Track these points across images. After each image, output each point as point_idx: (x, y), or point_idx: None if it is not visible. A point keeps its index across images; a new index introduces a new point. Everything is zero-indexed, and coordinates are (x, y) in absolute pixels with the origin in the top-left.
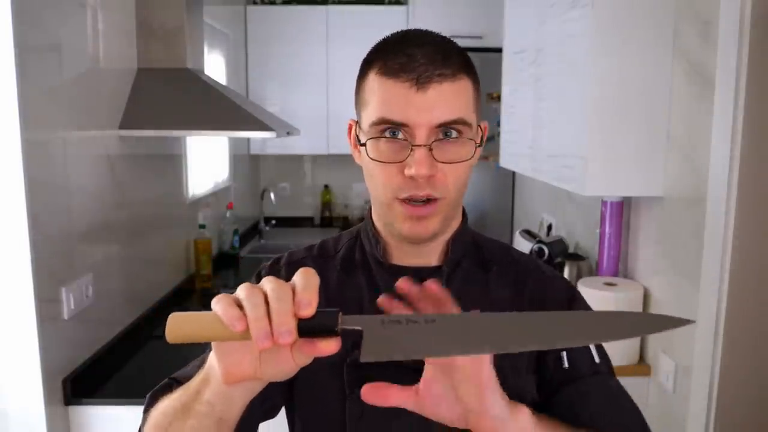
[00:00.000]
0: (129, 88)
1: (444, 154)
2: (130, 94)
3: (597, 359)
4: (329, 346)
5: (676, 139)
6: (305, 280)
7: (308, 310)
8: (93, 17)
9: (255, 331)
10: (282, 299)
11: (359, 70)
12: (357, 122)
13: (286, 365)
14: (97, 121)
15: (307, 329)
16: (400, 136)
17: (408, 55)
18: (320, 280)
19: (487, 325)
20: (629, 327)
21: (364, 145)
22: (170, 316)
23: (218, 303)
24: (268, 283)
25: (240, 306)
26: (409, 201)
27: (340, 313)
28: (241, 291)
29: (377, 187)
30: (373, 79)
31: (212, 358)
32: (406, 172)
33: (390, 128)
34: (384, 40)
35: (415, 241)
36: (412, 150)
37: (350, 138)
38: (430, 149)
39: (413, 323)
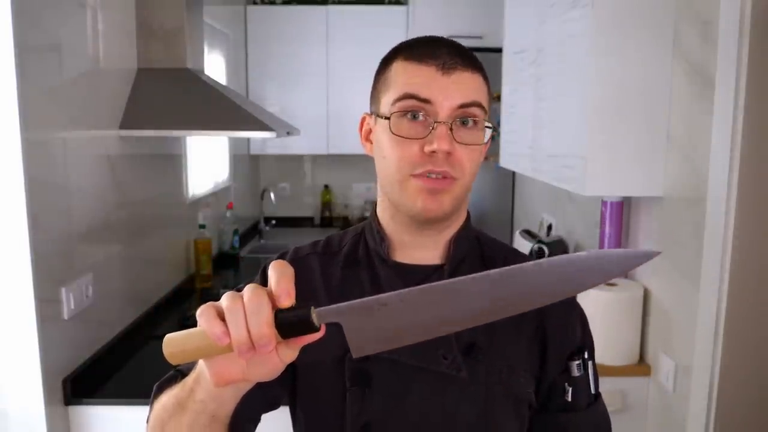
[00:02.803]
0: (129, 88)
1: (462, 137)
2: (130, 94)
3: (593, 389)
4: (314, 337)
5: (676, 139)
6: (278, 272)
7: (287, 300)
8: (93, 17)
9: (237, 347)
10: (257, 312)
11: (379, 66)
12: (370, 114)
13: (272, 365)
14: (97, 121)
15: (289, 332)
16: (421, 118)
17: (432, 47)
18: (324, 275)
19: (462, 292)
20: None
21: (388, 118)
22: (164, 339)
23: (201, 316)
24: (245, 293)
25: (223, 316)
26: (426, 175)
27: (312, 307)
28: (224, 301)
29: (392, 164)
30: (398, 65)
31: (201, 362)
32: (427, 148)
33: (413, 108)
34: (405, 41)
35: (426, 219)
36: (434, 126)
37: (361, 131)
38: (451, 129)
39: (383, 306)
